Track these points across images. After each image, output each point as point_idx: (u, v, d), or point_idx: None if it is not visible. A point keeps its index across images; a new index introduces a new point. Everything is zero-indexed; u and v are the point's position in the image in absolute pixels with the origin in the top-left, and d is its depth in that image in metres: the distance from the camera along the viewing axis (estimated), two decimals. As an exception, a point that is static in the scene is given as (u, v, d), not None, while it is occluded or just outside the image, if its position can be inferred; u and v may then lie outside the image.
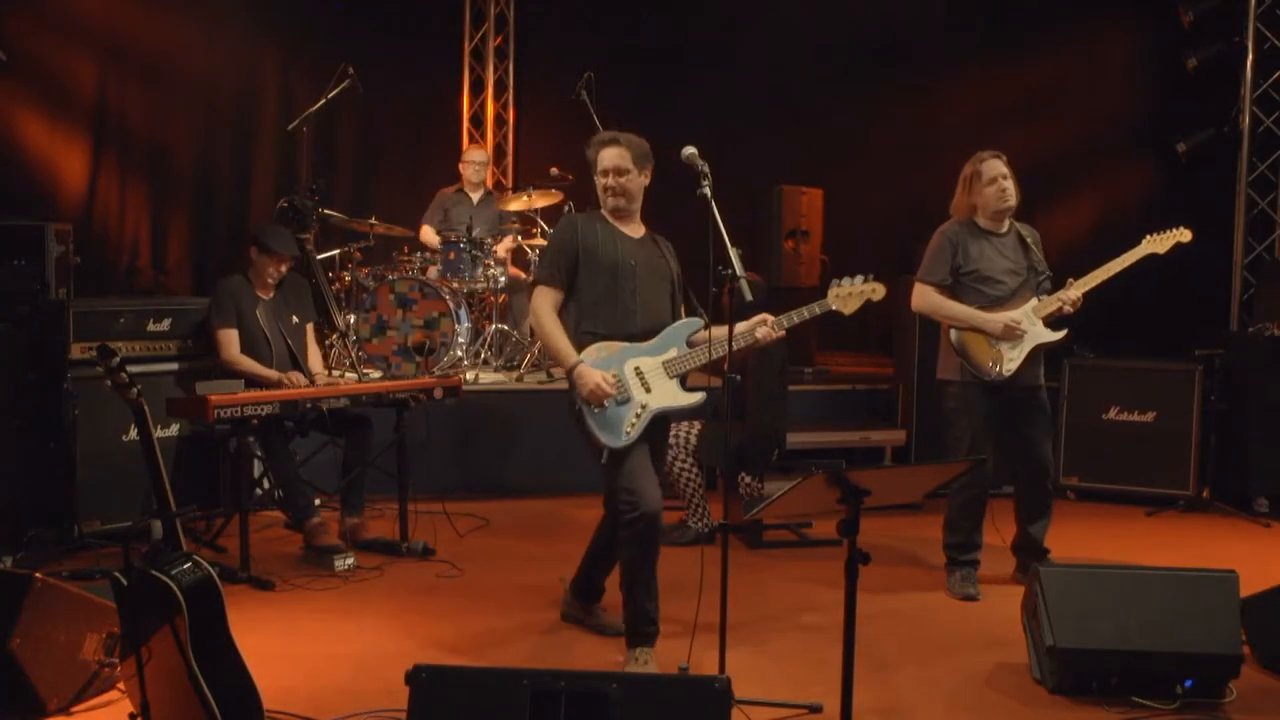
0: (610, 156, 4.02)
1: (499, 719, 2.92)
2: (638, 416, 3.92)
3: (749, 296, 3.60)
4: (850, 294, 4.12)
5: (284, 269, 5.60)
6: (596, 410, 3.91)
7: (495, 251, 7.55)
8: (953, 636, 4.51)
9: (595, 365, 3.92)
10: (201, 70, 8.45)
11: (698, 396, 4.01)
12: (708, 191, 3.63)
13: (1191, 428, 6.59)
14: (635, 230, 4.15)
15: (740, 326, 3.93)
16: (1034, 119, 8.53)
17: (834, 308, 4.12)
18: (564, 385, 6.96)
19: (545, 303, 4.06)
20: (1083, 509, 6.53)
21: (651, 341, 4.02)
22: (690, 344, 4.03)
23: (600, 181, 4.06)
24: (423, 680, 2.96)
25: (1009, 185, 4.83)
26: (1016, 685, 4.00)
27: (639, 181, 4.07)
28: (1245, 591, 3.96)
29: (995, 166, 4.84)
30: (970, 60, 8.77)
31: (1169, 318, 7.62)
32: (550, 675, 2.99)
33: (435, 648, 4.26)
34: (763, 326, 3.98)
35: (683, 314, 4.17)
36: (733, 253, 3.53)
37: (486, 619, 4.63)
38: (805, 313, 4.07)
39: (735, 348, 3.81)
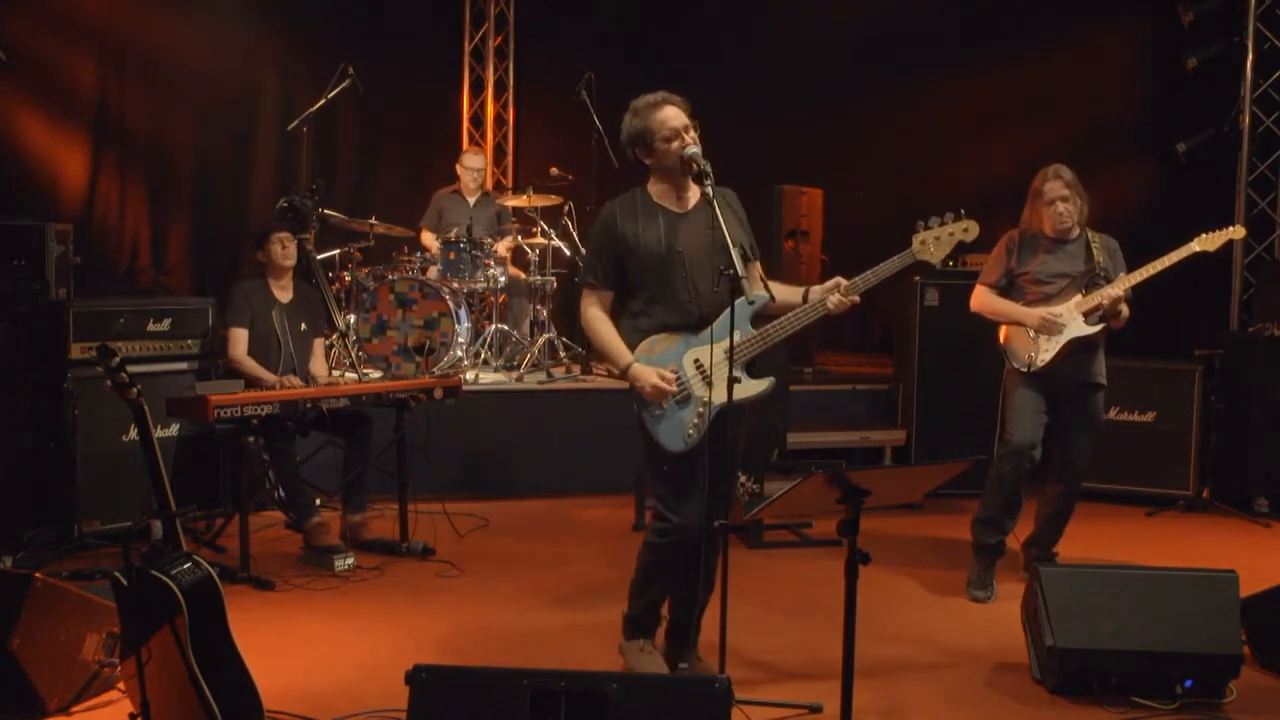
0: (675, 115, 3.65)
1: (499, 719, 2.93)
2: (700, 416, 3.63)
3: (750, 296, 3.57)
4: (939, 238, 3.67)
5: (291, 246, 5.65)
6: (657, 412, 3.64)
7: (496, 251, 7.54)
8: (952, 636, 4.51)
9: (651, 362, 3.65)
10: (201, 70, 8.44)
11: (764, 383, 3.63)
12: (709, 191, 3.61)
13: (1191, 428, 6.59)
14: (685, 201, 3.77)
15: (814, 293, 3.67)
16: (1034, 119, 8.53)
17: (920, 259, 3.68)
18: (564, 386, 7.07)
19: (591, 306, 3.77)
20: (1083, 509, 6.44)
21: (712, 327, 3.65)
22: (754, 324, 3.64)
23: (670, 148, 3.64)
24: (423, 680, 2.96)
25: (1065, 208, 4.84)
26: (1016, 685, 4.00)
27: None
28: (1245, 591, 3.96)
29: (1055, 189, 4.85)
30: (970, 60, 8.76)
31: (1169, 318, 7.60)
32: (550, 675, 2.99)
33: (435, 648, 4.26)
34: (835, 294, 3.62)
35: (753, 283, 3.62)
36: (734, 253, 3.50)
37: (486, 619, 4.63)
38: (885, 270, 3.67)
39: (804, 322, 3.65)
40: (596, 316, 3.77)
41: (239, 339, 5.54)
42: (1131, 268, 4.89)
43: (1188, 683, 3.79)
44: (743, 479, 5.70)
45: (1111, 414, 6.69)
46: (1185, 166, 7.93)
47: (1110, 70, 8.50)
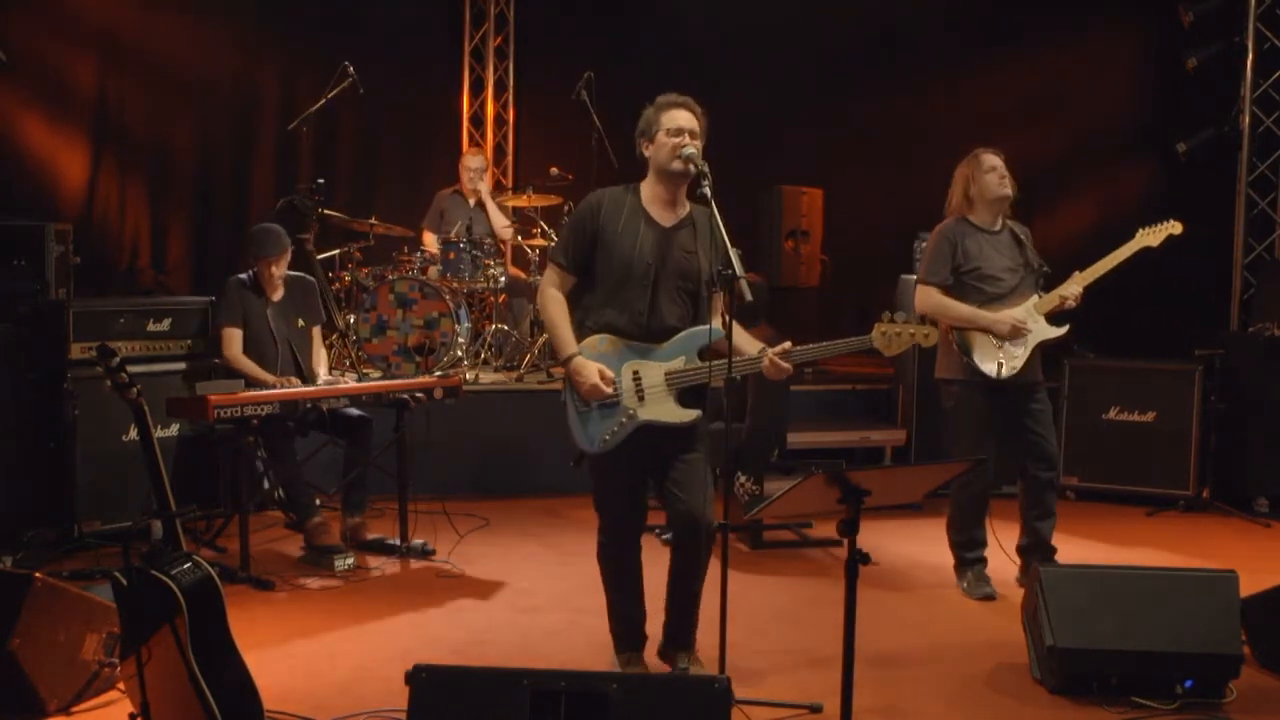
0: (686, 117, 3.68)
1: (499, 719, 2.93)
2: (620, 426, 3.67)
3: (749, 297, 3.57)
4: (900, 334, 3.75)
5: (283, 267, 5.60)
6: (581, 408, 3.70)
7: (498, 236, 7.53)
8: (953, 636, 4.51)
9: (592, 359, 3.68)
10: (201, 70, 8.44)
11: (692, 414, 3.70)
12: (708, 191, 3.61)
13: (1191, 428, 6.59)
14: (674, 212, 3.78)
15: (750, 346, 3.71)
16: (1034, 119, 8.52)
17: (874, 347, 3.77)
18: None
19: (550, 284, 3.79)
20: (1083, 509, 6.53)
21: (661, 346, 3.71)
22: (701, 355, 3.69)
23: (670, 142, 3.66)
24: (423, 680, 2.97)
25: (1007, 175, 4.87)
26: (1016, 685, 4.00)
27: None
28: (1245, 591, 3.96)
29: (993, 158, 4.88)
30: (970, 60, 8.76)
31: (1169, 318, 7.62)
32: (550, 675, 2.99)
33: (435, 648, 4.26)
34: (770, 356, 3.64)
35: (713, 307, 3.79)
36: (733, 253, 3.51)
37: (486, 619, 4.63)
38: (836, 348, 3.79)
39: (743, 370, 3.68)
40: (554, 298, 3.77)
41: (233, 338, 5.48)
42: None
43: (1188, 683, 3.79)
44: (742, 479, 5.70)
45: (1111, 414, 6.71)
46: (1185, 166, 7.93)
47: (1110, 70, 8.51)
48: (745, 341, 3.75)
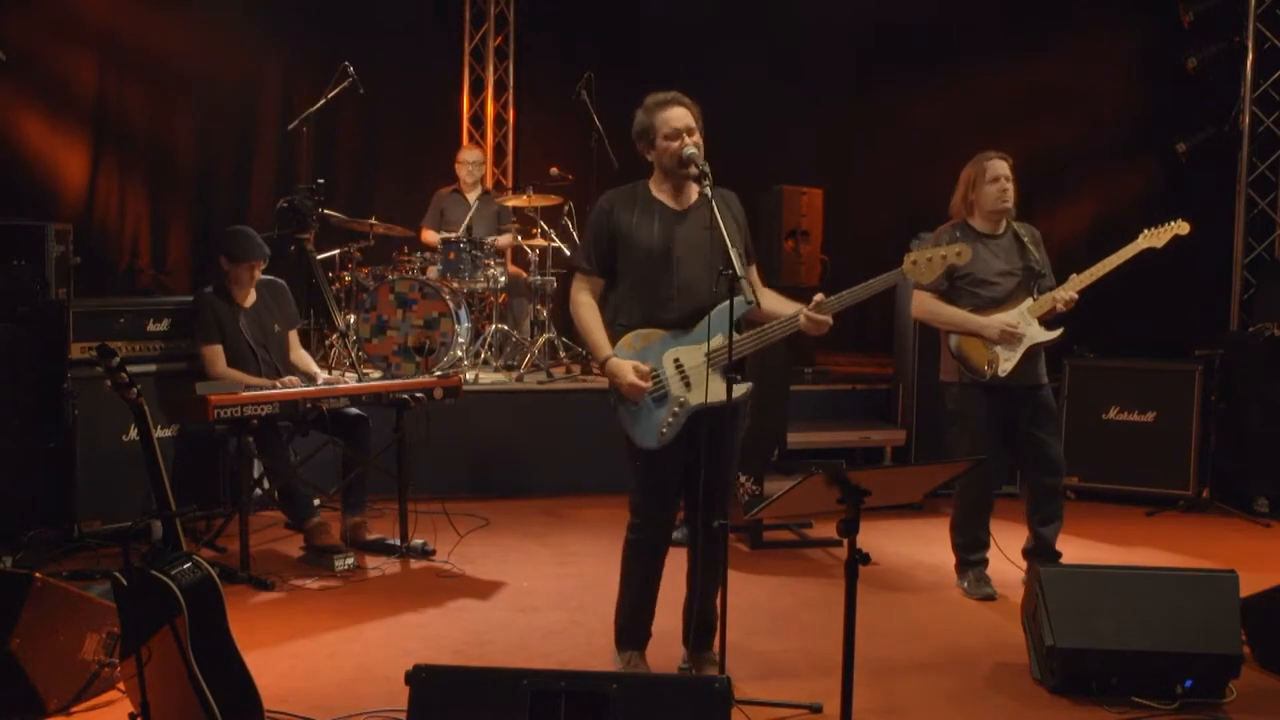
0: (682, 116, 3.68)
1: (499, 719, 2.93)
2: (674, 416, 3.65)
3: (750, 297, 3.57)
4: (930, 259, 3.68)
5: (258, 272, 5.54)
6: (632, 408, 3.67)
7: (496, 244, 7.52)
8: (953, 636, 4.51)
9: (631, 357, 3.66)
10: (201, 70, 8.44)
11: (743, 387, 3.64)
12: (708, 191, 3.62)
13: (1191, 428, 6.59)
14: (684, 199, 3.79)
15: (786, 309, 3.71)
16: (1034, 119, 8.53)
17: (910, 279, 3.75)
18: (564, 386, 7.07)
19: (580, 291, 3.81)
20: (1083, 509, 6.53)
21: (696, 328, 3.69)
22: (738, 329, 3.60)
23: (671, 146, 3.67)
24: (423, 680, 2.97)
25: (1009, 187, 4.84)
26: (1016, 685, 4.00)
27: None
28: (1245, 591, 3.96)
29: (999, 166, 4.85)
30: (970, 60, 8.77)
31: (1169, 318, 7.62)
32: (550, 675, 3.00)
33: (435, 648, 4.26)
34: (805, 313, 3.63)
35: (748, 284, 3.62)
36: (733, 253, 3.51)
37: (486, 619, 4.63)
38: (871, 287, 3.70)
39: (777, 336, 3.68)
40: (585, 303, 3.79)
41: (215, 356, 5.39)
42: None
43: (1188, 683, 3.79)
44: (742, 479, 5.70)
45: (1111, 414, 6.71)
46: (1185, 166, 7.94)
47: (1110, 70, 8.51)
48: (780, 304, 3.75)
